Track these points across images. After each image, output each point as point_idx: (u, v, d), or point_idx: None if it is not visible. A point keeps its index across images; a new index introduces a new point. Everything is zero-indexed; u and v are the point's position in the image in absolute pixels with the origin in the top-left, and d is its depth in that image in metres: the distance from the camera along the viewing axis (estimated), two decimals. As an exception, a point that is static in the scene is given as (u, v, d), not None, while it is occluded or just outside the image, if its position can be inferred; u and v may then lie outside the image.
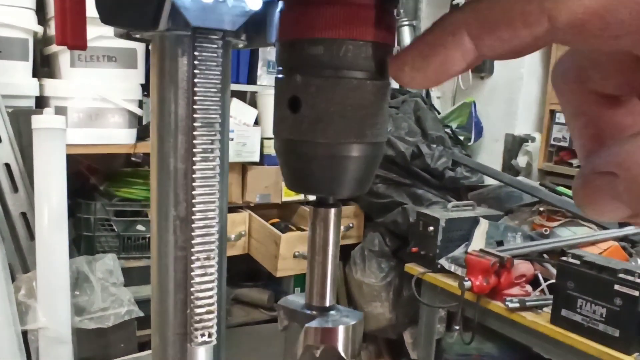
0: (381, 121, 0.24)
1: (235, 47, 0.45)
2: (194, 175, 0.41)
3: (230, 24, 0.40)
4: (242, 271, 2.49)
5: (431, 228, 1.93)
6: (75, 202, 2.00)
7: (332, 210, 0.27)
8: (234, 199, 2.28)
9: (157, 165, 0.43)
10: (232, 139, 2.13)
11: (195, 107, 0.41)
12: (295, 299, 0.29)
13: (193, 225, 0.42)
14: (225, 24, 0.40)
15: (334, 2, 0.23)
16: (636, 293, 1.39)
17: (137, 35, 0.42)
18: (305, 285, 0.28)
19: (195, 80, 0.40)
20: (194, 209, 0.42)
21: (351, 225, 2.48)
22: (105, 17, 0.35)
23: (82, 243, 2.01)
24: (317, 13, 0.23)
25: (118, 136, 1.89)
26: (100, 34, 1.75)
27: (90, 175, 2.13)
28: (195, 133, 0.41)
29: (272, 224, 2.24)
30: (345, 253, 2.45)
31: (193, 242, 0.42)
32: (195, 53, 0.40)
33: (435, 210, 2.04)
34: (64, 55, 1.79)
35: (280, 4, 0.25)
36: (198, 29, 0.39)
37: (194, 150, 0.41)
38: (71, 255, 1.78)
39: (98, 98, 1.82)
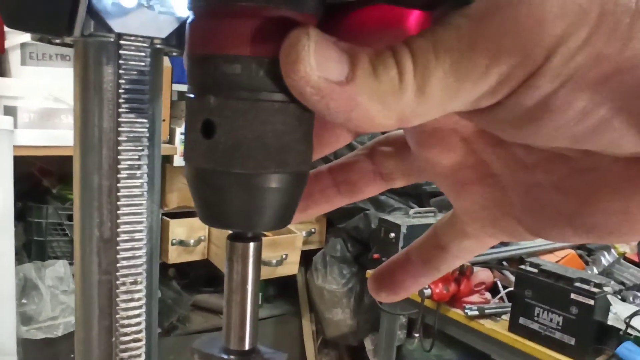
0: (305, 147, 0.22)
1: (168, 54, 0.42)
2: (118, 194, 0.38)
3: (158, 31, 0.37)
4: (201, 277, 2.44)
5: (392, 234, 1.92)
6: (26, 206, 1.92)
7: (251, 245, 0.24)
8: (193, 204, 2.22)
9: (80, 182, 0.39)
10: (192, 142, 2.07)
11: (120, 120, 0.37)
12: (213, 340, 0.26)
13: (118, 247, 0.39)
14: (152, 30, 0.37)
15: (252, 14, 0.20)
16: (591, 302, 1.40)
17: (58, 40, 0.39)
18: (223, 327, 0.25)
19: (120, 90, 0.37)
20: (118, 229, 0.39)
21: (313, 230, 2.45)
22: (11, 21, 0.31)
23: (32, 248, 1.93)
24: (232, 26, 0.20)
25: (72, 138, 1.82)
26: (53, 31, 1.68)
27: (42, 178, 2.05)
28: (120, 148, 0.38)
29: (233, 229, 2.19)
30: (307, 259, 2.42)
31: (118, 265, 0.39)
32: (120, 61, 0.37)
33: (397, 217, 2.03)
34: (14, 53, 1.71)
35: (190, 14, 0.22)
36: (123, 35, 0.36)
37: (119, 166, 0.38)
38: (21, 261, 1.71)
39: (50, 98, 1.75)
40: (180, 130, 2.02)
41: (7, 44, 1.69)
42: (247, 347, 0.25)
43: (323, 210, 0.27)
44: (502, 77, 0.16)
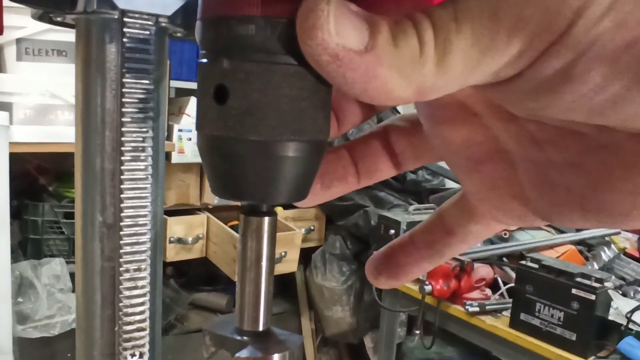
0: (323, 115, 0.21)
1: (173, 36, 0.41)
2: (122, 177, 0.37)
3: (163, 8, 0.36)
4: (200, 275, 2.42)
5: (392, 231, 1.91)
6: (22, 203, 1.91)
7: (266, 220, 0.23)
8: (192, 201, 2.21)
9: (82, 166, 0.38)
10: (190, 139, 2.07)
11: (124, 100, 0.36)
12: (225, 322, 0.25)
13: (121, 233, 0.38)
14: (158, 7, 0.36)
15: None
16: (592, 297, 1.40)
17: (59, 19, 0.38)
18: (236, 307, 0.24)
19: (124, 70, 0.36)
20: (122, 214, 0.37)
21: (312, 228, 2.45)
22: (12, -7, 0.30)
23: (28, 246, 1.91)
24: None
25: (68, 134, 1.80)
26: (49, 26, 1.67)
27: (38, 175, 2.03)
28: (123, 129, 0.36)
29: (231, 227, 2.18)
30: (306, 256, 2.41)
31: (121, 251, 0.38)
32: (124, 39, 0.36)
33: (397, 213, 2.02)
34: (9, 49, 1.69)
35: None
36: (127, 13, 0.35)
37: (123, 148, 0.37)
38: (16, 260, 1.69)
39: (47, 94, 1.73)
40: (178, 127, 2.01)
41: (3, 39, 1.68)
42: (261, 328, 0.24)
43: (344, 190, 0.26)
44: (524, 46, 0.16)
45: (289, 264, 2.20)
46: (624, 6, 0.15)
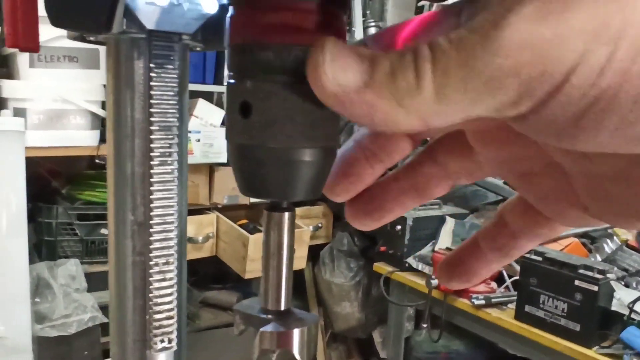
0: (332, 125, 0.24)
1: (192, 49, 0.45)
2: (151, 180, 0.41)
3: (186, 27, 0.40)
4: (210, 274, 2.46)
5: (399, 227, 1.94)
6: (35, 206, 1.95)
7: (286, 214, 0.27)
8: (201, 201, 2.25)
9: (114, 170, 0.42)
10: (199, 140, 2.11)
11: (152, 110, 0.40)
12: (251, 303, 0.29)
13: (151, 230, 0.42)
14: (181, 27, 0.40)
15: (281, 7, 0.23)
16: (595, 288, 1.43)
17: (92, 38, 0.42)
18: (260, 290, 0.28)
19: (152, 83, 0.40)
20: (152, 213, 0.41)
21: (320, 225, 2.48)
22: (56, 20, 0.34)
23: (43, 248, 1.95)
24: (267, 18, 0.23)
25: (80, 138, 1.85)
26: (60, 33, 1.71)
27: (51, 179, 2.07)
28: (152, 137, 0.40)
29: (241, 226, 2.22)
30: (314, 253, 2.45)
31: (151, 247, 0.42)
32: (151, 56, 0.39)
33: (402, 210, 2.05)
34: (22, 56, 1.74)
35: (230, 9, 0.24)
36: (154, 32, 0.39)
37: (152, 154, 0.41)
38: (31, 261, 1.74)
39: (59, 99, 1.78)
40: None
41: (16, 47, 1.72)
42: (283, 307, 0.28)
43: (398, 215, 0.28)
44: (522, 90, 0.16)
45: (298, 261, 2.24)
46: (624, 59, 0.15)
